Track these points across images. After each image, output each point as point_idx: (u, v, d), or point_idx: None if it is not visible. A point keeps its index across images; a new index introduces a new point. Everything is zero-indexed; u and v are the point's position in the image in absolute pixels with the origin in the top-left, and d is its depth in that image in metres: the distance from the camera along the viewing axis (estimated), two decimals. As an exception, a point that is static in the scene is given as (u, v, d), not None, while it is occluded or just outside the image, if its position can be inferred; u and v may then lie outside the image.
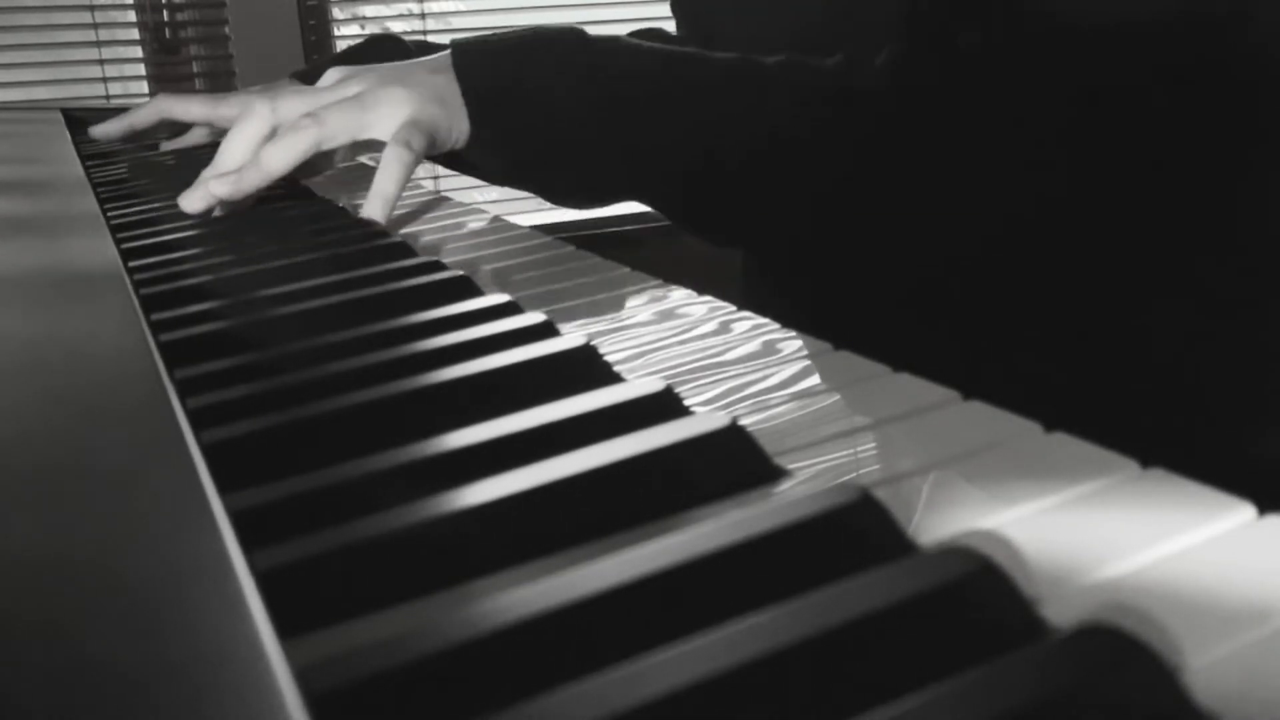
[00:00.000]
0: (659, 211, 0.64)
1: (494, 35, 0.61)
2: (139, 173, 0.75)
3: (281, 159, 0.56)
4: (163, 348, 0.34)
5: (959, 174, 0.57)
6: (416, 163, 0.56)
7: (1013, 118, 0.55)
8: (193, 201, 0.57)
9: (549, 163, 0.60)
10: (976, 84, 0.56)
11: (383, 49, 0.88)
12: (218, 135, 0.80)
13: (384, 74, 0.59)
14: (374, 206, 0.55)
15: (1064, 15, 0.54)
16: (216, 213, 0.58)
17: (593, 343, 0.33)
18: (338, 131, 0.56)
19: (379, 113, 0.57)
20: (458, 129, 0.58)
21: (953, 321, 0.64)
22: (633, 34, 0.90)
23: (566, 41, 0.59)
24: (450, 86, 0.58)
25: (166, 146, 0.84)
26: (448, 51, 0.60)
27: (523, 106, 0.58)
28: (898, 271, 0.64)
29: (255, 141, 0.58)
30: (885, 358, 0.32)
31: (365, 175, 0.70)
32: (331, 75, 0.61)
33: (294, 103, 0.58)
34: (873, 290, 0.67)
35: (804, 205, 0.60)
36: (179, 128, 0.83)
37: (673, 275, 0.43)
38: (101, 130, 0.84)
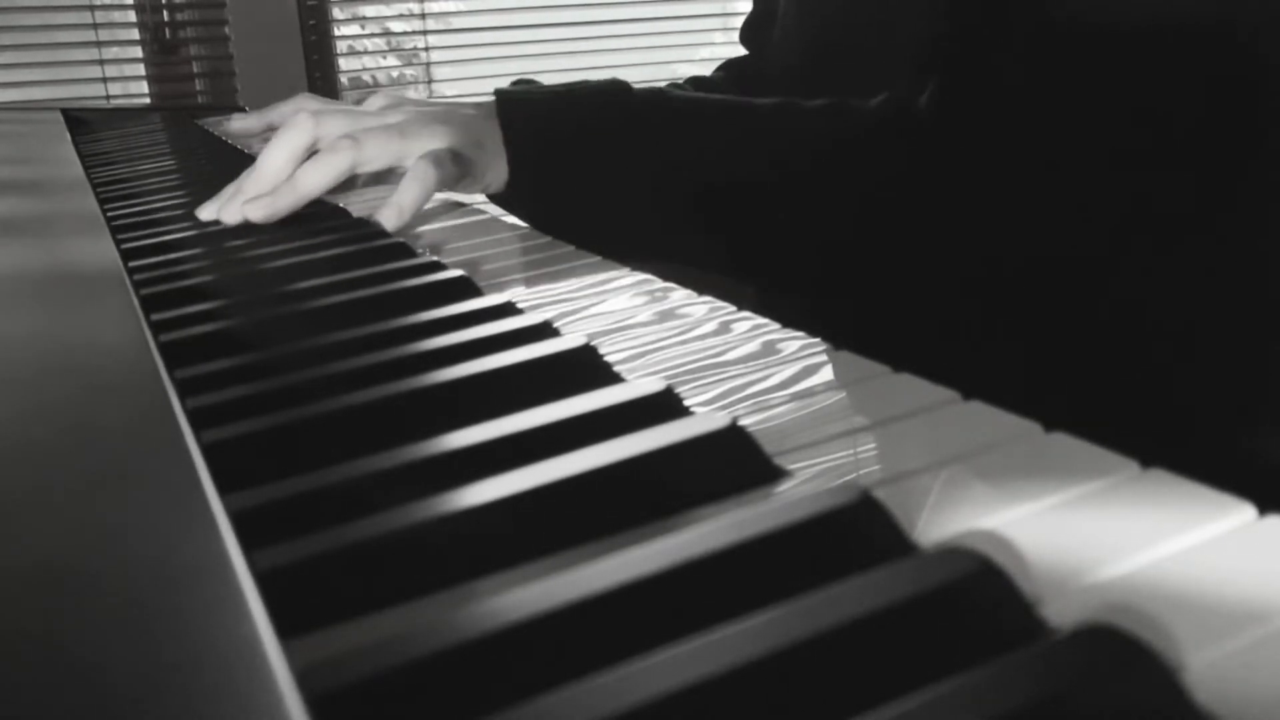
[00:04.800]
0: (701, 266, 0.64)
1: (539, 86, 0.62)
2: (139, 173, 0.75)
3: (316, 180, 0.56)
4: (163, 348, 0.34)
5: (999, 203, 0.57)
6: (441, 184, 0.56)
7: (1053, 142, 0.55)
8: (228, 216, 0.57)
9: (588, 216, 0.60)
10: (1021, 117, 0.56)
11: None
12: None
13: (429, 109, 0.60)
14: (388, 215, 0.55)
15: (1097, 30, 0.54)
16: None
17: (593, 343, 0.33)
18: (374, 157, 0.57)
19: (418, 144, 0.57)
20: (493, 174, 0.59)
21: (955, 320, 0.64)
22: (722, 66, 0.93)
23: (610, 95, 0.60)
24: (492, 132, 0.59)
25: (237, 122, 0.80)
26: (494, 99, 0.61)
27: (563, 158, 0.59)
28: (918, 285, 0.64)
29: (295, 154, 0.58)
30: (887, 357, 0.32)
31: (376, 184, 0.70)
32: (377, 100, 0.62)
33: (336, 122, 0.59)
34: (889, 300, 0.67)
35: (852, 247, 0.60)
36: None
37: (673, 275, 0.43)
38: (240, 125, 0.81)
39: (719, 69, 0.95)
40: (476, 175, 0.59)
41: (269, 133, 0.80)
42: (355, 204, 0.63)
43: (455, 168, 0.57)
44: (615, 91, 0.61)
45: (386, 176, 0.67)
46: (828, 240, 0.60)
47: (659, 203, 0.60)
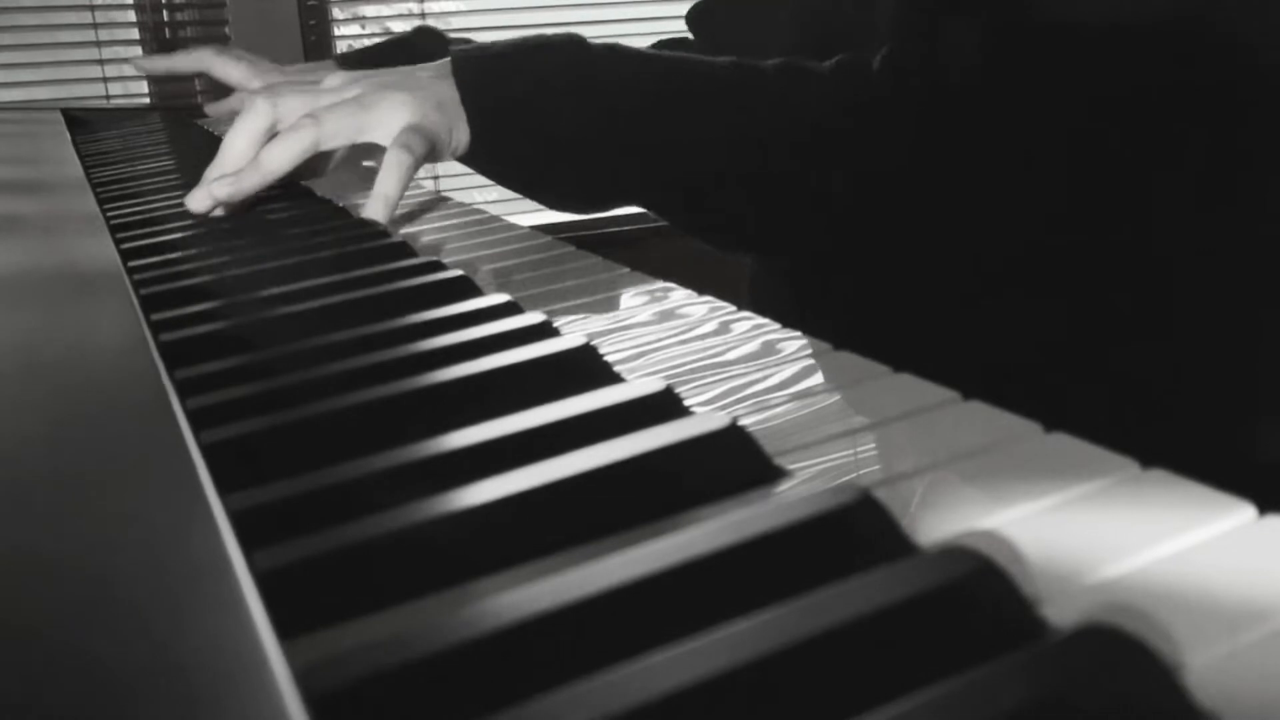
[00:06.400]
0: (659, 216, 0.64)
1: (494, 43, 0.61)
2: (139, 173, 0.75)
3: (279, 160, 0.56)
4: (163, 348, 0.34)
5: (958, 172, 0.57)
6: (417, 166, 0.56)
7: (1009, 114, 0.56)
8: (197, 201, 0.57)
9: (548, 170, 0.60)
10: (971, 80, 0.56)
11: (423, 42, 0.91)
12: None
13: (385, 78, 0.60)
14: (375, 208, 0.56)
15: (1052, 13, 0.54)
16: (218, 212, 0.58)
17: (593, 343, 0.33)
18: (336, 132, 0.57)
19: (378, 115, 0.57)
20: (458, 136, 0.59)
21: (955, 319, 0.64)
22: (658, 44, 0.92)
23: (565, 49, 0.60)
24: (450, 93, 0.59)
25: (210, 110, 0.96)
26: (449, 59, 0.60)
27: (522, 114, 0.58)
28: (898, 268, 0.64)
29: (256, 137, 0.58)
30: (889, 356, 0.32)
31: (365, 176, 0.70)
32: (335, 78, 0.62)
33: (294, 101, 0.58)
34: (873, 287, 0.67)
35: (803, 206, 0.60)
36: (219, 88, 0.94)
37: (673, 275, 0.43)
38: (143, 63, 0.97)
39: (654, 47, 0.93)
40: (443, 142, 0.58)
41: (171, 76, 0.97)
42: (322, 188, 0.63)
43: (424, 144, 0.57)
44: (570, 46, 0.60)
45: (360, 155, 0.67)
46: (780, 196, 0.60)
47: (614, 155, 0.59)
